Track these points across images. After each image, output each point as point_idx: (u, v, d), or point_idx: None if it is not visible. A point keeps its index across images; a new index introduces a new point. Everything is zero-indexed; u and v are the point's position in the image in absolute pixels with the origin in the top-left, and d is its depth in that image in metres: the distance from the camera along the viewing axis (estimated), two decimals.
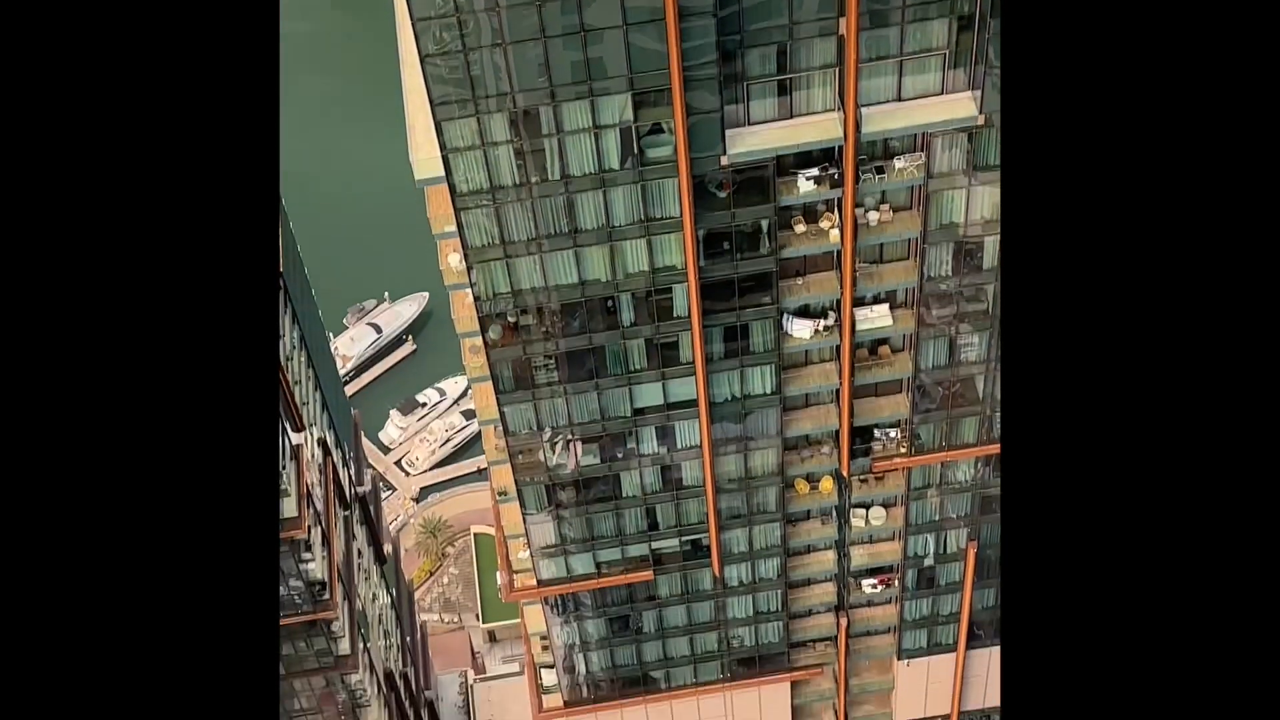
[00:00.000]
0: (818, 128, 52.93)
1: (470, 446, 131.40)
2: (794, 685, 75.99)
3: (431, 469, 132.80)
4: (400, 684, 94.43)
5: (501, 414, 60.08)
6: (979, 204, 55.86)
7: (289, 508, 67.55)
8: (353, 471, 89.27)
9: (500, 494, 65.36)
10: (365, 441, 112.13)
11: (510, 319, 56.88)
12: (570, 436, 61.45)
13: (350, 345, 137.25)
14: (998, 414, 63.35)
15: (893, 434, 64.79)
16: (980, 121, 52.57)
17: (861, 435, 64.62)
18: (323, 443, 79.13)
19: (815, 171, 54.70)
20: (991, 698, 77.58)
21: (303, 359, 75.83)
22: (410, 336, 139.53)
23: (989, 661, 75.16)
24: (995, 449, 64.67)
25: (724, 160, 52.59)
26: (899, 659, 75.05)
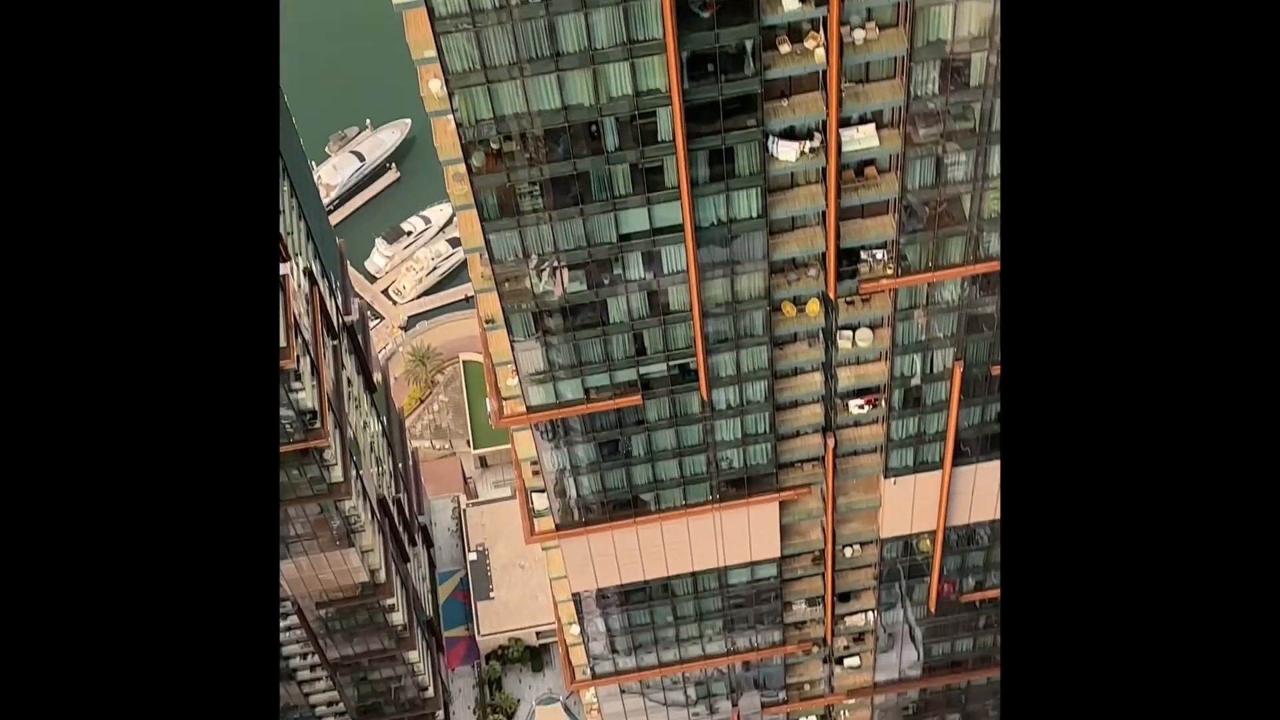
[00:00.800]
0: None
1: (457, 274, 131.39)
2: (782, 505, 76.97)
3: (419, 297, 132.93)
4: (393, 509, 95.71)
5: (487, 241, 59.81)
6: (966, 20, 54.98)
7: None
8: (340, 301, 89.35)
9: (488, 322, 65.37)
10: (351, 271, 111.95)
11: (493, 145, 56.29)
12: (556, 263, 61.29)
13: (333, 174, 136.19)
14: (984, 233, 63.22)
15: (879, 255, 64.66)
16: None
17: (848, 257, 64.49)
18: (309, 272, 79.04)
19: None
20: (976, 513, 78.69)
21: (285, 188, 75.32)
22: (393, 164, 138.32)
23: (974, 478, 76.07)
24: (982, 268, 64.66)
25: None
26: (885, 477, 75.92)
